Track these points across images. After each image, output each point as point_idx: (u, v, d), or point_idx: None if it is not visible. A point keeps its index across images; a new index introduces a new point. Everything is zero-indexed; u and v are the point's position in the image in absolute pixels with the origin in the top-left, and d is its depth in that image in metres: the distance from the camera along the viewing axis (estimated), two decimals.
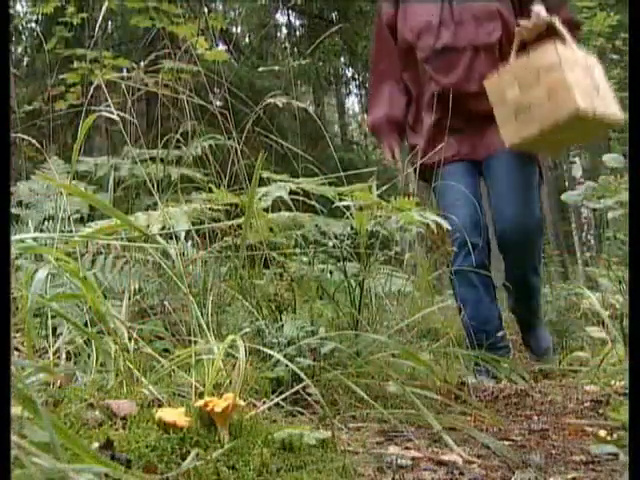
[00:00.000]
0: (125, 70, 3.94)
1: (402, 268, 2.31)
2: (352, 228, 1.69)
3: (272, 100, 2.07)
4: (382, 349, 1.42)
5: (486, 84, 2.04)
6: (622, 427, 1.12)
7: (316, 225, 1.81)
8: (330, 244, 1.69)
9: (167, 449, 0.81)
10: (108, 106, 1.63)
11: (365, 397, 1.18)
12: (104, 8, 2.47)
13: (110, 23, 6.72)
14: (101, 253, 1.87)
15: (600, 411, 1.46)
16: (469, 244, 2.00)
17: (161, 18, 3.70)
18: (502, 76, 2.01)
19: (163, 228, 1.58)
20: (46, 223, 2.20)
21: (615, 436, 1.08)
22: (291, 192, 1.82)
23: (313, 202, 2.04)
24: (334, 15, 8.76)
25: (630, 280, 0.48)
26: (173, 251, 1.48)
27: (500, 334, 2.23)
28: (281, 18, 9.98)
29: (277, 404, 1.10)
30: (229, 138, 2.04)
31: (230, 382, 1.04)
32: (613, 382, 1.72)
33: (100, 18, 2.68)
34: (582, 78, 1.85)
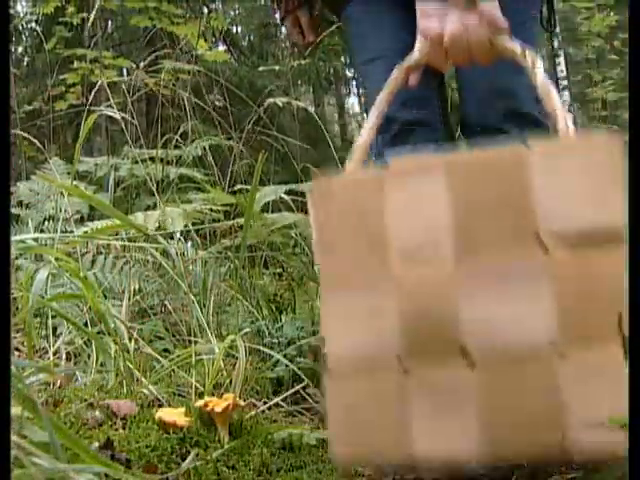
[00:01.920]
0: (125, 70, 3.95)
1: None
2: None
3: (272, 100, 2.07)
4: None
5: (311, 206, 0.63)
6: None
7: None
8: None
9: (167, 449, 0.81)
10: (108, 106, 1.63)
11: None
12: (96, 7, 2.47)
13: (110, 23, 6.72)
14: (101, 253, 1.87)
15: None
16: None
17: (161, 18, 3.71)
18: (354, 194, 0.59)
19: (164, 228, 1.59)
20: (46, 223, 2.20)
21: None
22: (291, 192, 1.82)
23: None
24: (334, 15, 8.73)
25: (630, 280, 0.48)
26: (173, 251, 1.48)
27: None
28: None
29: (277, 404, 1.10)
30: (229, 138, 2.04)
31: (230, 382, 1.04)
32: None
33: (92, 17, 2.68)
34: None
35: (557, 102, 0.64)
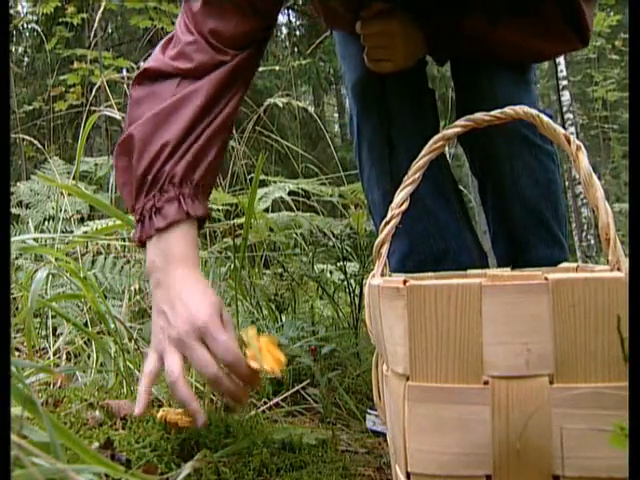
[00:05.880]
0: (125, 70, 3.95)
1: None
2: (352, 228, 1.69)
3: (272, 100, 2.07)
4: None
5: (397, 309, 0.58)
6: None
7: (316, 225, 1.81)
8: (330, 244, 1.69)
9: (167, 449, 0.81)
10: (108, 106, 1.63)
11: (365, 397, 1.18)
12: (101, 9, 2.47)
13: (110, 23, 6.72)
14: (101, 253, 1.87)
15: None
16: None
17: (161, 18, 3.71)
18: None
19: None
20: (46, 223, 2.20)
21: None
22: (291, 192, 1.82)
23: (313, 202, 2.04)
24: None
25: (630, 280, 0.48)
26: None
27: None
28: (281, 18, 9.96)
29: (277, 404, 1.10)
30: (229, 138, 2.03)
31: None
32: None
33: (97, 18, 2.68)
34: None
35: (600, 196, 0.57)
